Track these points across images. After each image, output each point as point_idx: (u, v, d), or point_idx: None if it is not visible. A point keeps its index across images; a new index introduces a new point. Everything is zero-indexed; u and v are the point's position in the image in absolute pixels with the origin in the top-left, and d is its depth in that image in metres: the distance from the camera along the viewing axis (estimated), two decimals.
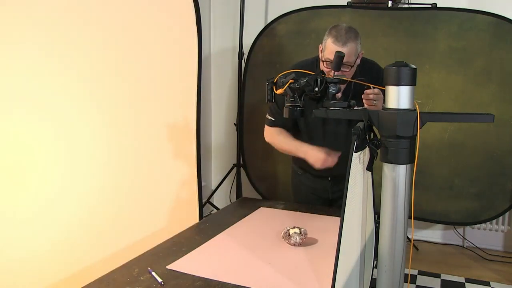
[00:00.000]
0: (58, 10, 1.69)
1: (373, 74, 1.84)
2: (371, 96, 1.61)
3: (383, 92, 1.13)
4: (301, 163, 2.05)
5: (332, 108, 1.32)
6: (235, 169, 3.44)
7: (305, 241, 1.54)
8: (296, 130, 1.99)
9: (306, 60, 1.92)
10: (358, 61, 1.75)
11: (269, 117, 1.99)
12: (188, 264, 1.39)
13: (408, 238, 2.82)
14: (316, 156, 1.81)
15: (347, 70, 1.70)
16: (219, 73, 3.75)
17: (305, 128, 1.95)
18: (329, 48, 1.69)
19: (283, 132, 1.98)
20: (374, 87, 1.57)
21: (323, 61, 1.74)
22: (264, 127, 2.04)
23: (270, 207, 1.98)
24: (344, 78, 1.48)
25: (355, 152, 1.04)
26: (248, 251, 1.48)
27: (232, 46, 3.63)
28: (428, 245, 3.29)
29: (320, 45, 1.78)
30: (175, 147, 2.42)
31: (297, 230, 1.54)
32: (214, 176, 3.89)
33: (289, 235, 1.53)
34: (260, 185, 3.32)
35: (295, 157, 1.99)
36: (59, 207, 1.75)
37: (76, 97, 1.80)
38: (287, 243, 1.54)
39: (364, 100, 1.64)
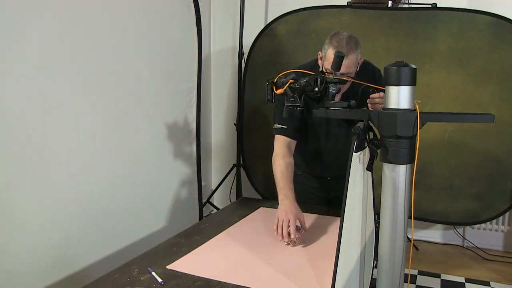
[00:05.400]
0: (58, 9, 1.69)
1: (369, 74, 1.83)
2: (377, 100, 1.60)
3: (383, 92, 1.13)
4: (299, 164, 2.05)
5: (332, 108, 1.32)
6: (235, 169, 3.44)
7: (303, 239, 1.56)
8: (304, 132, 1.95)
9: (305, 64, 1.90)
10: (358, 69, 1.73)
11: (279, 126, 1.86)
12: (188, 264, 1.39)
13: (408, 238, 2.82)
14: (283, 212, 1.62)
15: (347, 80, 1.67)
16: (219, 73, 3.75)
17: (307, 128, 1.94)
18: (329, 58, 1.64)
19: (287, 164, 1.83)
20: (377, 89, 1.55)
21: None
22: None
23: (270, 207, 1.98)
24: (344, 78, 1.47)
25: (355, 152, 1.04)
26: (248, 251, 1.48)
27: (232, 46, 3.63)
28: (428, 245, 3.29)
29: (320, 52, 1.74)
30: (175, 147, 2.42)
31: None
32: (214, 176, 3.89)
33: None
34: (260, 185, 3.32)
35: (294, 157, 1.98)
36: (59, 207, 1.75)
37: (75, 97, 1.80)
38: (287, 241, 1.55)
39: (369, 105, 1.62)
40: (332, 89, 1.35)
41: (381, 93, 1.57)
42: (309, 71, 1.71)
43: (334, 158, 1.95)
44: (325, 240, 1.59)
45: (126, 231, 2.09)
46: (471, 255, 3.11)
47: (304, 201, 2.08)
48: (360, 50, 1.69)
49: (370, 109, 1.60)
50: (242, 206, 2.03)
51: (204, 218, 2.60)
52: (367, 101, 1.61)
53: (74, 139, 1.79)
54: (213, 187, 3.74)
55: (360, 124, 1.10)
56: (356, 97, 1.73)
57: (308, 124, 1.93)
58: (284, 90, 1.44)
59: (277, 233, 1.58)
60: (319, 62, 1.76)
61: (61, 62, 1.72)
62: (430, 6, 2.79)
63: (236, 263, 1.40)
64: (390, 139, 1.08)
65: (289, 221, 1.56)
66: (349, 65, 1.62)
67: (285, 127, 1.85)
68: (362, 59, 1.76)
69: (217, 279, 1.27)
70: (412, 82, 1.06)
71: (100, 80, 1.91)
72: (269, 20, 3.29)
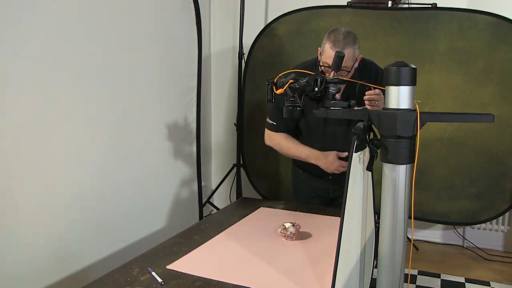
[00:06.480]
0: (58, 9, 1.69)
1: (371, 74, 1.85)
2: (373, 97, 1.61)
3: (383, 91, 1.13)
4: (301, 163, 2.05)
5: (332, 108, 1.32)
6: (235, 169, 3.44)
7: (303, 238, 1.58)
8: (297, 132, 1.98)
9: (306, 61, 1.92)
10: (356, 64, 1.75)
11: (270, 121, 1.96)
12: (188, 264, 1.39)
13: (408, 238, 2.82)
14: (327, 161, 1.85)
15: (345, 75, 1.70)
16: (219, 73, 3.75)
17: (305, 128, 1.95)
18: (327, 53, 1.70)
19: (288, 137, 1.96)
20: (374, 88, 1.57)
21: (320, 66, 1.75)
22: (264, 129, 2.03)
23: (270, 207, 1.98)
24: (344, 78, 1.48)
25: (355, 152, 1.04)
26: (248, 251, 1.48)
27: (232, 46, 3.63)
28: (428, 245, 3.29)
29: (319, 48, 1.78)
30: (175, 147, 2.42)
31: (290, 224, 1.59)
32: (214, 176, 3.89)
33: (285, 228, 1.58)
34: (260, 185, 3.32)
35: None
36: (59, 206, 1.75)
37: (76, 96, 1.80)
38: (283, 236, 1.57)
39: (365, 102, 1.64)
40: (332, 89, 1.36)
41: (377, 90, 1.59)
42: (310, 68, 1.74)
43: None
44: (325, 240, 1.59)
45: (126, 231, 2.09)
46: (471, 255, 3.11)
47: (306, 201, 2.09)
48: (358, 46, 1.72)
49: (367, 106, 1.62)
50: (242, 206, 2.03)
51: (204, 218, 2.60)
52: (364, 98, 1.63)
53: (73, 139, 1.79)
54: (213, 187, 3.74)
55: (360, 124, 1.10)
56: (354, 94, 1.76)
57: (308, 124, 1.93)
58: (284, 90, 1.45)
59: (339, 171, 1.87)
60: (318, 57, 1.79)
61: (60, 62, 1.71)
62: (430, 6, 2.79)
63: (236, 263, 1.40)
64: (390, 139, 1.08)
65: (334, 162, 1.83)
66: (346, 59, 1.64)
67: (276, 124, 1.94)
68: (361, 56, 1.78)
69: (217, 279, 1.27)
70: (412, 82, 1.06)
71: (99, 80, 1.91)
72: (269, 20, 3.29)
